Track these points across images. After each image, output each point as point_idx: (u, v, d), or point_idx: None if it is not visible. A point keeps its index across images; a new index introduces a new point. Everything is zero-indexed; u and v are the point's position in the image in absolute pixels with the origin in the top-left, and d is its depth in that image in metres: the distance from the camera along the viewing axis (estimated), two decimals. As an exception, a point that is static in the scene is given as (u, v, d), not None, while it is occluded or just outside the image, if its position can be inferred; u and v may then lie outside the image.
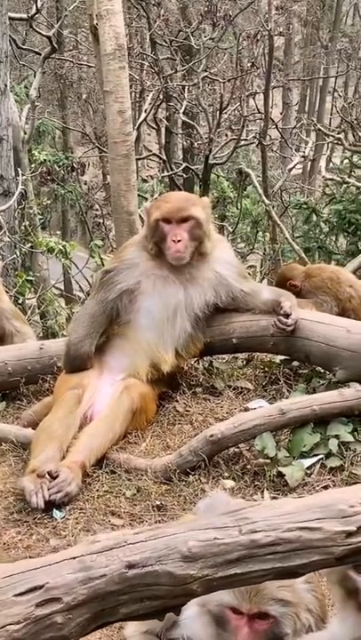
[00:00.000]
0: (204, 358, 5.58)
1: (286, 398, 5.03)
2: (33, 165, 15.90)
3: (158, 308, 5.09)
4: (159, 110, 19.71)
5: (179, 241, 5.00)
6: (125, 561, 2.14)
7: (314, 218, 16.03)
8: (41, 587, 2.12)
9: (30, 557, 3.97)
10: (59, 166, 19.02)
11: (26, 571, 2.18)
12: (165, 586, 2.17)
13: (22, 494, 4.48)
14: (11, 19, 14.51)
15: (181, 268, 5.09)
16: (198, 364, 5.62)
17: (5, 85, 12.27)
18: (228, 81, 18.45)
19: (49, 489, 4.42)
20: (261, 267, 18.25)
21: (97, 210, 23.60)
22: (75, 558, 2.16)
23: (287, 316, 5.11)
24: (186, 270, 5.11)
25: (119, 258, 5.31)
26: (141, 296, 5.11)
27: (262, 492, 4.41)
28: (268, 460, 4.52)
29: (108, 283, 5.15)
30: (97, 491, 4.52)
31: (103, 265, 9.25)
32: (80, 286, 15.93)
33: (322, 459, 4.57)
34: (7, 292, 9.17)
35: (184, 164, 19.07)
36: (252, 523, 2.18)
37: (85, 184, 23.84)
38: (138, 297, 5.11)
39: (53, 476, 4.47)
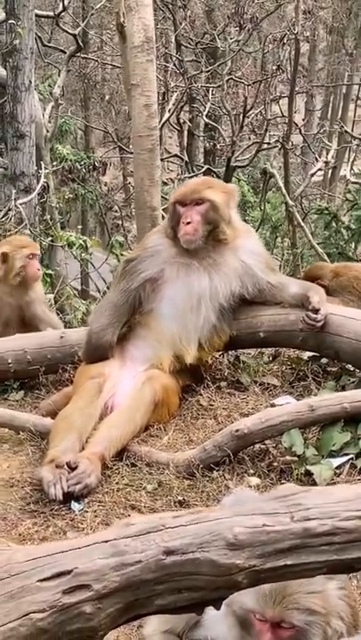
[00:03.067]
0: (230, 352, 5.44)
1: (314, 395, 4.86)
2: (55, 163, 15.76)
3: (182, 297, 4.96)
4: (182, 112, 19.57)
5: (189, 223, 4.88)
6: (163, 546, 1.92)
7: (334, 224, 15.83)
8: (69, 572, 1.91)
9: None
10: (80, 165, 18.90)
11: (53, 554, 1.96)
12: (207, 576, 1.95)
13: (40, 484, 4.34)
14: (37, 16, 14.45)
15: (202, 255, 4.96)
16: (223, 357, 5.47)
17: (30, 82, 12.24)
18: (253, 84, 18.30)
19: (67, 480, 4.27)
20: (281, 271, 18.03)
21: (116, 211, 23.50)
22: (107, 542, 1.94)
23: (316, 311, 4.97)
24: (208, 257, 4.98)
25: (142, 246, 5.21)
26: (165, 284, 4.99)
27: None
28: (296, 458, 4.36)
29: (131, 271, 5.04)
30: (117, 484, 4.38)
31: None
32: (97, 286, 15.78)
33: (352, 458, 4.40)
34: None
35: (205, 167, 18.90)
36: (305, 509, 1.97)
37: (105, 185, 23.73)
38: (161, 285, 4.99)
39: (72, 467, 4.33)
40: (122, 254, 9.84)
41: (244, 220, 20.09)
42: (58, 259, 14.30)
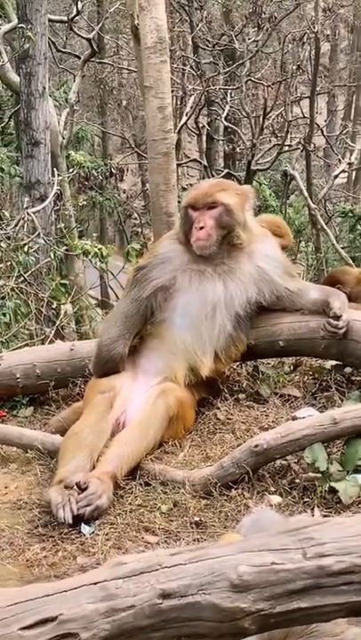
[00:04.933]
0: (248, 362, 5.32)
1: (338, 407, 4.71)
2: (71, 170, 15.69)
3: (196, 306, 4.84)
4: (200, 115, 19.47)
5: (202, 228, 4.78)
6: (159, 589, 1.73)
7: (359, 227, 15.65)
8: (54, 619, 1.73)
9: (55, 576, 3.74)
10: (97, 172, 18.84)
11: (36, 598, 1.79)
12: (209, 622, 1.76)
13: (48, 507, 4.22)
14: (50, 21, 14.41)
15: (216, 261, 4.85)
16: (242, 368, 5.35)
17: (44, 88, 12.19)
18: (272, 85, 18.15)
19: (77, 502, 4.14)
20: (304, 278, 17.92)
21: (135, 219, 23.43)
22: (96, 584, 1.76)
23: (337, 317, 4.83)
24: (222, 263, 4.86)
25: (153, 252, 5.11)
26: (177, 292, 4.87)
27: (312, 509, 4.09)
28: (319, 475, 4.20)
29: (142, 280, 4.92)
30: (129, 504, 4.26)
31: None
32: (116, 295, 15.66)
33: (379, 474, 4.22)
34: (39, 296, 8.94)
35: (225, 171, 18.79)
36: (319, 544, 1.78)
37: (124, 192, 23.67)
38: (173, 294, 4.87)
39: (82, 488, 4.20)
40: (138, 261, 9.70)
41: (266, 225, 19.68)
42: (76, 268, 14.21)
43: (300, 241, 19.57)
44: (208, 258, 4.83)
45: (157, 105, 7.92)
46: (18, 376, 5.31)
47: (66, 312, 10.12)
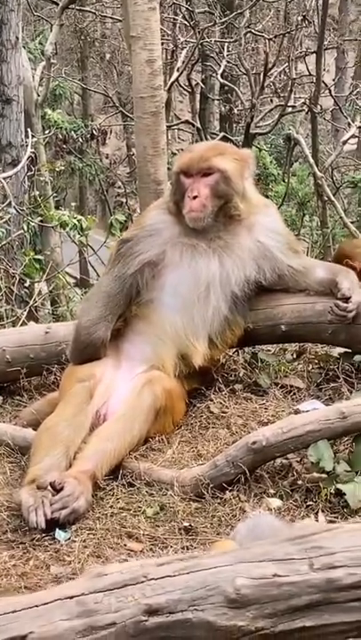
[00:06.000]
0: (246, 349, 5.34)
1: (346, 399, 4.72)
2: (47, 132, 15.62)
3: (187, 285, 4.84)
4: (193, 72, 19.40)
5: (195, 197, 4.77)
6: (144, 604, 1.70)
7: (370, 198, 15.61)
8: (23, 638, 1.70)
9: (26, 587, 3.71)
10: (76, 134, 18.76)
11: (2, 614, 1.76)
12: (202, 642, 1.74)
13: (19, 509, 4.21)
14: None
15: (211, 235, 4.86)
16: (238, 355, 5.37)
17: (17, 38, 12.13)
18: (275, 37, 18.09)
19: (51, 504, 4.13)
20: (308, 255, 17.93)
21: (119, 187, 23.39)
22: (72, 598, 1.73)
23: (346, 299, 4.85)
24: (218, 237, 4.87)
25: (139, 224, 5.10)
26: (166, 269, 4.88)
27: (316, 513, 4.10)
28: (325, 475, 4.21)
29: (127, 254, 4.93)
30: (110, 507, 4.25)
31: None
32: (97, 272, 15.63)
33: (392, 475, 4.24)
34: (10, 272, 8.91)
35: (221, 134, 18.75)
36: (328, 554, 1.74)
37: (107, 158, 23.62)
38: (162, 270, 4.88)
39: (57, 489, 4.19)
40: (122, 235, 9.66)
41: (266, 197, 20.00)
42: (52, 242, 14.15)
43: (303, 214, 19.59)
44: (202, 231, 4.83)
45: (145, 58, 7.87)
46: (-15, 362, 5.29)
47: (40, 291, 10.09)
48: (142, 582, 1.73)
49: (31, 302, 8.70)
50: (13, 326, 7.88)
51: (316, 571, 1.74)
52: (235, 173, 4.84)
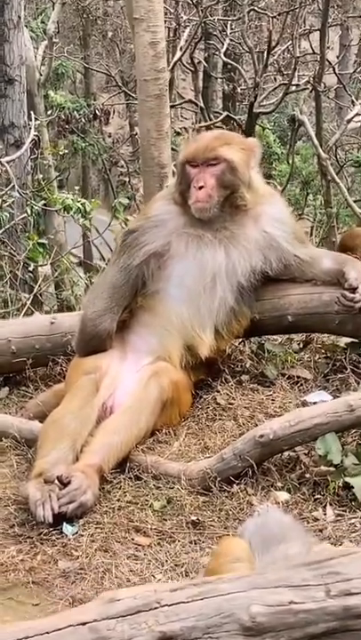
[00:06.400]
0: (252, 339, 5.31)
1: (354, 390, 4.71)
2: (49, 112, 15.53)
3: (193, 275, 4.83)
4: (196, 50, 19.22)
5: (201, 187, 4.74)
6: (158, 631, 1.67)
7: (375, 178, 15.49)
8: (32, 667, 1.67)
9: (34, 582, 3.73)
10: (79, 114, 18.64)
11: (13, 640, 1.73)
12: (216, 670, 1.71)
13: (26, 503, 4.21)
14: None
15: (217, 225, 4.84)
16: (245, 346, 5.34)
17: (19, 17, 12.07)
18: (278, 15, 17.90)
19: (59, 498, 4.13)
20: (312, 235, 17.87)
21: (122, 167, 23.28)
22: (85, 624, 1.70)
23: (353, 289, 4.82)
24: (224, 227, 4.85)
25: (145, 215, 5.09)
26: (172, 260, 4.86)
27: (324, 507, 4.09)
28: (333, 469, 4.20)
29: (132, 245, 4.91)
30: (118, 501, 4.24)
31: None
32: (101, 254, 15.56)
33: None
34: (13, 255, 8.87)
35: (224, 114, 18.59)
36: (345, 580, 1.71)
37: (110, 136, 23.49)
38: (168, 261, 4.87)
39: (64, 483, 4.18)
40: (126, 219, 9.60)
41: (270, 176, 19.87)
42: (56, 224, 14.09)
43: (307, 194, 19.49)
44: (208, 221, 4.81)
45: (149, 40, 7.80)
46: (-10, 353, 5.27)
47: (45, 276, 10.06)
48: (155, 608, 1.71)
49: (36, 288, 8.63)
50: (18, 312, 7.87)
51: (332, 597, 1.71)
52: (241, 163, 4.81)
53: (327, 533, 3.88)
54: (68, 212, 10.06)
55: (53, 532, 4.05)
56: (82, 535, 4.03)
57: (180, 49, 16.44)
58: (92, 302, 4.93)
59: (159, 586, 1.76)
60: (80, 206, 9.90)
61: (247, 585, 1.76)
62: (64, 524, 4.09)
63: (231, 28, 18.17)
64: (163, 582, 3.70)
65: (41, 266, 9.63)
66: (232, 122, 18.56)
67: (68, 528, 4.08)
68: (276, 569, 1.83)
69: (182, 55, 16.74)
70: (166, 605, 1.72)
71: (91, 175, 25.51)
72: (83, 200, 10.16)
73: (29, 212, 10.07)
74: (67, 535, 4.04)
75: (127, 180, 21.81)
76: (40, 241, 9.40)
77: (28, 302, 7.98)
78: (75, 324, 5.10)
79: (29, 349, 5.30)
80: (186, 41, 16.81)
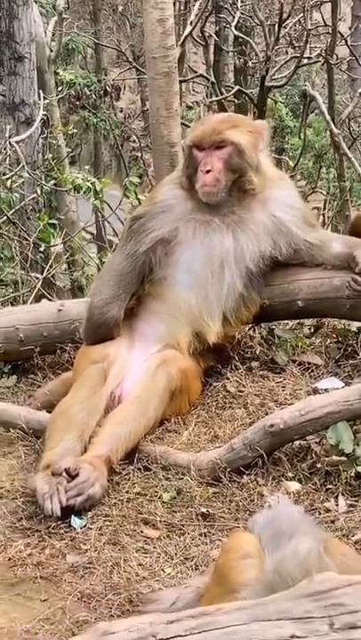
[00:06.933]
0: (262, 325, 5.24)
1: (366, 377, 4.66)
2: (60, 89, 15.37)
3: (201, 261, 4.76)
4: (207, 24, 19.00)
5: (208, 171, 4.67)
6: (154, 669, 1.59)
7: (389, 150, 15.32)
8: None
9: (42, 577, 3.68)
10: (90, 90, 18.48)
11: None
12: None
13: (33, 496, 4.16)
14: None
15: (225, 210, 4.77)
16: (254, 332, 5.27)
17: (28, -7, 11.89)
18: (290, -13, 17.66)
19: (66, 491, 4.08)
20: (325, 208, 17.72)
21: (134, 142, 23.13)
22: (77, 658, 1.62)
23: None
24: (231, 212, 4.78)
25: (151, 200, 5.02)
26: (180, 246, 4.80)
27: (336, 497, 4.03)
28: (344, 458, 4.14)
29: (139, 231, 4.85)
30: (126, 493, 4.20)
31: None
32: (113, 229, 15.46)
33: None
34: (26, 238, 8.77)
35: (236, 88, 18.38)
36: (350, 613, 1.62)
37: (121, 111, 23.32)
38: (175, 248, 4.80)
39: (72, 475, 4.14)
40: (137, 199, 9.48)
41: (283, 149, 19.68)
42: (67, 201, 13.98)
43: (320, 167, 19.32)
44: (215, 206, 4.74)
45: (157, 17, 7.72)
46: (-2, 340, 5.24)
47: (57, 254, 9.96)
48: (151, 643, 1.63)
49: (46, 270, 8.53)
50: (30, 293, 7.80)
51: (336, 631, 1.62)
52: (249, 146, 4.74)
53: (339, 525, 3.84)
54: (78, 192, 9.95)
55: (62, 526, 4.01)
56: (90, 528, 3.99)
57: (191, 23, 16.22)
58: (99, 290, 4.88)
59: (155, 617, 1.67)
60: (90, 185, 9.78)
61: (247, 617, 1.67)
62: (72, 517, 4.04)
63: (242, 1, 17.92)
64: (173, 577, 3.68)
65: (52, 246, 9.51)
66: (244, 96, 18.37)
67: (76, 521, 4.03)
68: (277, 599, 1.73)
69: (193, 29, 16.51)
70: (162, 639, 1.64)
71: (103, 151, 25.36)
72: (93, 179, 10.04)
73: (39, 192, 9.97)
74: (75, 528, 3.99)
75: (139, 154, 21.66)
76: (50, 221, 9.29)
77: (39, 284, 7.88)
78: (82, 311, 5.05)
79: (37, 337, 5.25)
80: (196, 15, 16.58)
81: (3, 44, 12.16)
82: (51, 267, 8.93)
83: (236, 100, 18.86)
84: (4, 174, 9.19)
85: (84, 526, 4.01)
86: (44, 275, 8.34)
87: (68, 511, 4.04)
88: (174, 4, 12.29)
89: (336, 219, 15.11)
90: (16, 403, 4.99)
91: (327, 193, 18.75)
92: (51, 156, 11.17)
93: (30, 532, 3.99)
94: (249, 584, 2.96)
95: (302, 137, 17.16)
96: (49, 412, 4.64)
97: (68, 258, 10.55)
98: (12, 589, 3.63)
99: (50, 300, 6.86)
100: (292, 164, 17.65)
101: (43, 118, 10.71)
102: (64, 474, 4.13)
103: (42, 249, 9.29)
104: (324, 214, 16.69)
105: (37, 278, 8.35)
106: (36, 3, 14.08)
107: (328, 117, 13.59)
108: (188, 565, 3.71)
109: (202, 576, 3.50)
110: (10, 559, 3.79)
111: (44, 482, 4.12)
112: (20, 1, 11.84)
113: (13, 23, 11.88)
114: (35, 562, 3.77)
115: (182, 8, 18.47)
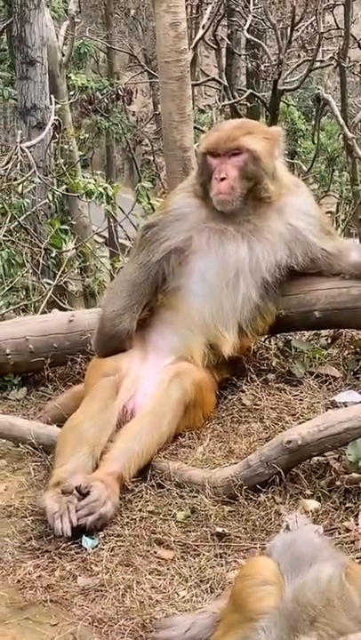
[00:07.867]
0: (278, 336, 5.17)
1: (386, 390, 4.57)
2: (72, 93, 15.33)
3: (215, 271, 4.66)
4: (219, 27, 18.98)
5: (223, 179, 4.58)
6: None
7: None
8: None
9: (52, 601, 3.57)
10: (102, 94, 18.47)
11: None
12: None
13: (43, 514, 4.04)
14: None
15: (240, 218, 4.67)
16: (270, 343, 5.19)
17: (40, -2, 11.92)
18: (302, -10, 17.62)
19: (77, 510, 3.97)
20: (338, 212, 17.66)
21: (146, 145, 23.17)
22: None
23: None
24: (247, 221, 4.68)
25: (165, 208, 4.93)
26: (193, 256, 4.70)
27: (356, 516, 3.89)
28: (364, 475, 4.03)
29: (152, 240, 4.75)
30: (139, 511, 4.09)
31: (153, 210, 8.77)
32: (126, 234, 15.38)
33: None
34: (38, 244, 8.68)
35: (248, 91, 18.44)
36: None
37: (133, 115, 23.32)
38: (189, 257, 4.71)
39: (83, 493, 4.03)
40: (150, 204, 9.39)
41: (294, 153, 19.61)
42: (80, 205, 13.93)
43: (333, 170, 19.28)
44: (230, 215, 4.64)
45: (169, 21, 7.59)
46: (8, 352, 5.17)
47: (69, 259, 9.87)
48: None
49: (58, 277, 8.42)
50: (41, 300, 7.71)
51: None
52: (264, 153, 4.63)
53: (360, 545, 3.68)
54: (90, 198, 9.87)
55: (72, 546, 3.90)
56: (102, 549, 3.87)
57: (203, 26, 16.17)
58: (111, 301, 4.78)
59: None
60: (102, 191, 9.70)
61: None
62: (83, 537, 3.94)
63: (254, 4, 17.96)
64: (187, 600, 3.55)
65: (65, 251, 9.43)
66: (256, 99, 18.34)
67: (87, 541, 3.92)
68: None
69: (205, 33, 16.50)
70: None
71: (115, 154, 25.40)
72: (105, 185, 9.95)
73: (51, 197, 9.90)
74: (86, 549, 3.89)
75: (152, 158, 21.67)
76: (62, 227, 9.21)
77: (49, 292, 7.78)
78: (94, 322, 4.98)
79: (48, 348, 5.18)
80: (208, 18, 16.55)
81: (15, 48, 12.27)
82: (63, 273, 8.84)
83: (248, 104, 18.85)
84: (16, 179, 9.11)
85: (96, 547, 3.90)
86: (56, 282, 8.22)
87: (78, 531, 3.94)
88: (186, 7, 12.20)
89: (349, 222, 15.02)
90: (26, 416, 4.93)
91: (340, 196, 18.72)
92: (62, 160, 11.12)
93: (40, 552, 3.88)
94: (268, 612, 2.86)
95: (315, 140, 17.11)
96: (59, 426, 4.54)
97: (79, 265, 10.47)
98: (21, 613, 3.51)
99: (62, 306, 6.77)
100: (305, 167, 17.61)
101: (54, 123, 10.68)
102: (75, 492, 4.03)
103: (53, 255, 9.21)
104: (336, 218, 16.63)
105: (49, 284, 8.26)
106: (47, 7, 14.03)
107: (342, 121, 13.51)
108: (203, 588, 3.59)
109: (218, 600, 3.39)
110: (19, 581, 3.67)
111: (54, 500, 4.01)
112: (32, 5, 11.88)
113: (25, 27, 11.94)
114: (44, 584, 3.65)
115: (194, 12, 18.45)
